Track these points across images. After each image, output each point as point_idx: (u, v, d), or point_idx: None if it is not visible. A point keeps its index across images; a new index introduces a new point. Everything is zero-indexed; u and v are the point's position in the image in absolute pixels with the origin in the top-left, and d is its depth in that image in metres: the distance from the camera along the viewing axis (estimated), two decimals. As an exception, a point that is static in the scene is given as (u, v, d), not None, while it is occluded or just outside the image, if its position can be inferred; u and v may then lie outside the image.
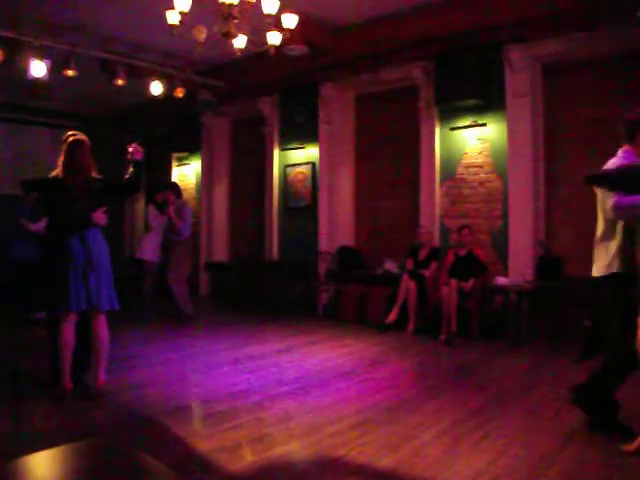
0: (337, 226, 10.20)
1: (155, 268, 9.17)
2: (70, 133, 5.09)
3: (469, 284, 7.68)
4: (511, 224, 7.95)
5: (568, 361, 6.09)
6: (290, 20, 6.18)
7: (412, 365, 6.39)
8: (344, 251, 9.91)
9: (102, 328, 5.00)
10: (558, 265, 7.57)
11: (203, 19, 5.88)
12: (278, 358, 6.63)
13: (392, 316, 8.28)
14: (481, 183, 8.43)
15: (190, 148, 12.70)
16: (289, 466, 3.60)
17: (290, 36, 6.33)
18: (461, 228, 8.19)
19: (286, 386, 5.40)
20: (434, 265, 8.37)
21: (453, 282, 7.68)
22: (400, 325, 8.17)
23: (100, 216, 4.96)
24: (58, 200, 4.86)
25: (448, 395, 5.08)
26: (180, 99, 10.04)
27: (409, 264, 8.59)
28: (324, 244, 10.11)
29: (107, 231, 5.08)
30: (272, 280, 10.19)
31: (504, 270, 7.98)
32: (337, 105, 10.16)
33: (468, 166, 8.56)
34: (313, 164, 10.41)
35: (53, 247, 4.91)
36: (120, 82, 9.15)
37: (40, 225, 8.23)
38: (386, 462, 3.60)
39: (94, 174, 5.01)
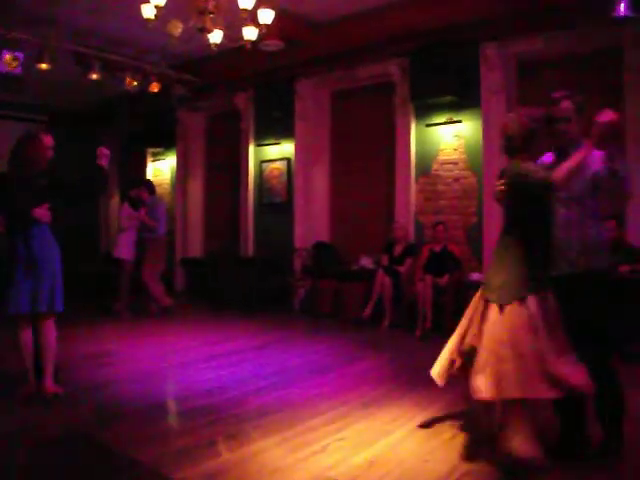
0: (312, 222, 10.20)
1: (131, 266, 9.13)
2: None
3: (444, 280, 7.73)
4: (486, 221, 8.00)
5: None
6: (266, 15, 6.15)
7: (387, 360, 6.41)
8: (319, 247, 9.91)
9: (45, 331, 4.75)
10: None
11: (179, 13, 5.85)
12: (254, 354, 6.62)
13: (367, 311, 8.30)
14: (456, 179, 8.48)
15: (165, 143, 12.61)
16: (265, 462, 3.60)
17: (266, 31, 6.30)
18: (436, 225, 8.23)
19: (262, 382, 5.40)
20: (409, 261, 8.41)
21: (428, 278, 7.72)
22: (375, 321, 8.20)
23: (41, 212, 4.66)
24: (2, 196, 4.69)
25: (423, 391, 5.10)
26: (155, 94, 9.96)
27: (384, 260, 8.62)
28: (299, 240, 10.11)
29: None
30: (248, 276, 10.16)
31: (479, 266, 8.03)
32: (313, 101, 10.15)
33: (443, 162, 8.61)
34: (289, 160, 10.39)
35: (6, 246, 4.76)
36: (94, 76, 9.06)
37: None
38: (362, 457, 3.62)
39: (41, 169, 4.79)
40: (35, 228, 4.68)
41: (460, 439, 3.92)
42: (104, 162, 4.95)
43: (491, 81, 8.02)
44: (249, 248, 10.89)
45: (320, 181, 10.24)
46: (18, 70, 8.23)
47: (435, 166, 8.70)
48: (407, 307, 8.03)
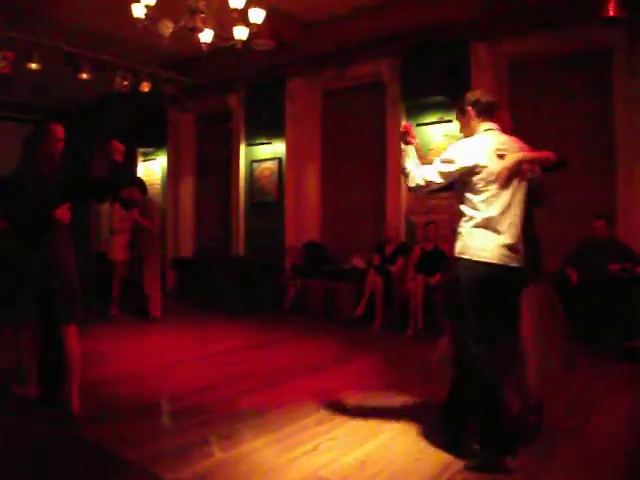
0: (303, 221, 10.20)
1: (125, 268, 9.08)
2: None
3: (435, 279, 7.74)
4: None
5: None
6: (257, 15, 6.15)
7: (379, 360, 6.41)
8: (310, 246, 9.90)
9: (68, 340, 4.39)
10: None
11: (169, 13, 5.84)
12: (246, 354, 6.62)
13: (359, 311, 8.30)
14: (447, 179, 8.47)
15: (156, 143, 12.58)
16: (257, 462, 3.60)
17: (257, 31, 6.31)
18: (427, 224, 8.25)
19: (253, 382, 5.40)
20: (401, 260, 8.41)
21: (419, 277, 7.74)
22: (367, 320, 8.20)
23: (63, 213, 4.20)
24: (14, 196, 4.27)
25: (415, 389, 5.11)
26: (145, 94, 9.94)
27: (376, 259, 8.62)
28: (290, 239, 10.11)
29: (71, 228, 4.78)
30: (239, 275, 10.15)
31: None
32: (304, 101, 10.14)
33: (434, 162, 8.60)
34: (279, 159, 10.39)
35: (15, 250, 4.37)
36: (85, 76, 9.02)
37: None
38: (353, 456, 3.62)
39: (57, 165, 4.43)
40: (53, 231, 4.29)
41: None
42: (119, 157, 4.48)
43: (482, 81, 8.02)
44: (240, 248, 10.88)
45: (311, 181, 10.24)
46: (7, 70, 8.20)
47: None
48: (399, 307, 8.04)
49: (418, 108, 8.70)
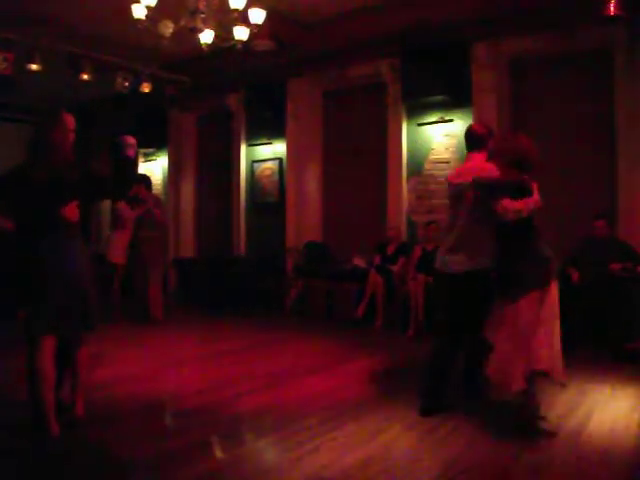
0: (304, 222, 10.20)
1: (124, 269, 9.03)
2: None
3: (436, 279, 7.74)
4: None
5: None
6: (257, 15, 6.15)
7: (380, 360, 6.40)
8: (311, 246, 9.90)
9: (78, 355, 4.16)
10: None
11: (169, 13, 5.84)
12: (247, 354, 6.62)
13: (360, 311, 8.31)
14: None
15: (157, 144, 12.58)
16: (259, 462, 3.60)
17: (257, 31, 6.30)
18: (428, 224, 8.25)
19: (255, 382, 5.39)
20: (402, 260, 8.41)
21: (420, 277, 7.73)
22: (368, 320, 8.21)
23: (71, 211, 3.83)
24: (20, 194, 3.82)
25: (416, 390, 5.11)
26: (146, 94, 9.93)
27: (377, 259, 8.62)
28: (291, 240, 10.11)
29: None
30: (240, 276, 10.15)
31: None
32: (304, 101, 10.14)
33: (435, 162, 8.62)
34: (280, 160, 10.40)
35: (22, 255, 3.93)
36: (85, 77, 9.02)
37: None
38: (355, 456, 3.61)
39: (69, 158, 4.02)
40: (65, 232, 3.90)
41: (454, 437, 3.94)
42: (131, 153, 4.06)
43: (482, 80, 8.04)
44: (241, 248, 10.88)
45: (312, 181, 10.23)
46: (8, 71, 8.19)
47: (427, 165, 8.72)
48: (400, 306, 8.04)
49: (419, 108, 8.71)
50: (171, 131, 12.27)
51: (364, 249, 9.16)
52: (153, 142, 12.53)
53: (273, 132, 10.46)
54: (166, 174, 12.60)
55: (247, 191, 10.92)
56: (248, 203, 10.92)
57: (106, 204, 13.17)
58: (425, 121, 8.71)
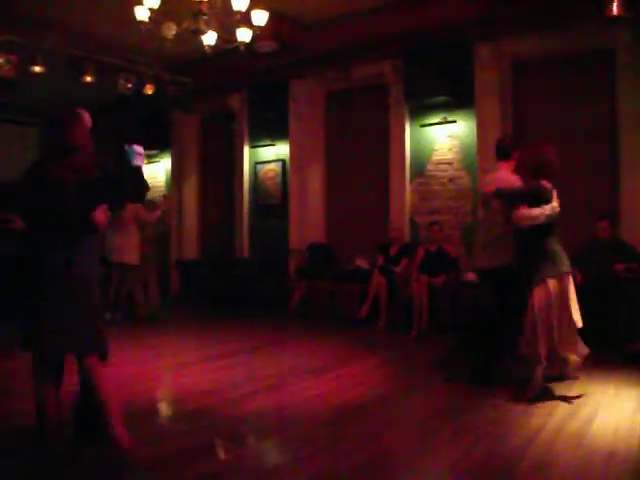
0: (307, 223, 10.20)
1: (136, 270, 8.95)
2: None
3: (439, 280, 7.73)
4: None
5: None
6: (260, 17, 6.15)
7: (383, 361, 6.40)
8: (315, 248, 9.90)
9: (97, 374, 3.65)
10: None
11: (172, 15, 5.84)
12: (249, 356, 6.62)
13: (363, 312, 8.31)
14: (450, 180, 8.50)
15: (159, 145, 12.58)
16: (262, 464, 3.60)
17: (260, 33, 6.31)
18: (431, 224, 8.24)
19: (258, 384, 5.39)
20: (405, 261, 8.41)
21: (423, 278, 7.73)
22: (371, 321, 8.20)
23: (101, 216, 3.57)
24: (38, 196, 3.50)
25: (419, 391, 5.12)
26: (149, 96, 9.94)
27: (380, 260, 8.62)
28: (295, 241, 10.12)
29: None
30: (243, 278, 10.16)
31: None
32: (307, 102, 10.14)
33: (438, 163, 8.62)
34: (283, 161, 10.41)
35: (31, 264, 3.57)
36: (88, 79, 9.04)
37: None
38: (358, 458, 3.61)
39: (90, 158, 3.73)
40: (84, 238, 3.60)
41: (458, 438, 3.93)
42: (139, 162, 3.84)
43: (485, 81, 8.04)
44: (244, 250, 10.89)
45: (315, 182, 10.23)
46: (11, 73, 8.20)
47: (430, 166, 8.72)
48: (403, 307, 8.03)
49: (421, 109, 8.71)
50: (174, 133, 12.29)
51: (367, 250, 9.16)
52: (156, 144, 12.54)
53: (276, 133, 10.47)
54: (169, 176, 12.61)
55: (250, 193, 10.93)
56: (251, 205, 10.93)
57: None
58: (428, 122, 8.71)
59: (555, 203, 4.80)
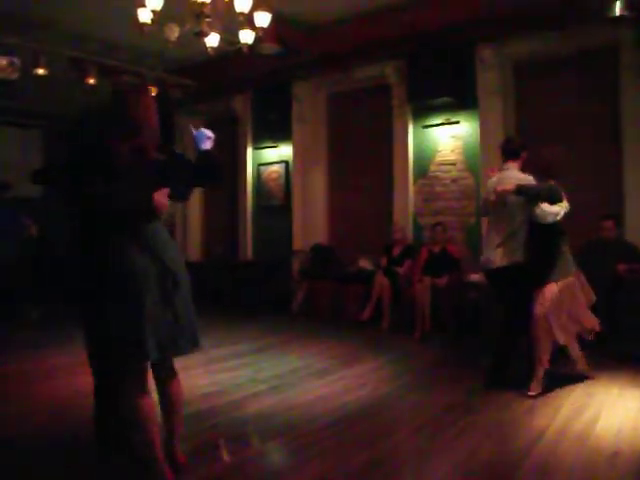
0: (311, 224, 10.20)
1: None
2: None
3: (443, 281, 7.72)
4: (484, 221, 7.99)
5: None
6: (263, 18, 6.15)
7: (387, 362, 6.40)
8: (318, 249, 9.90)
9: (176, 382, 3.53)
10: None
11: (175, 17, 5.85)
12: (253, 357, 6.61)
13: (366, 313, 8.31)
14: (454, 180, 8.49)
15: (161, 147, 12.54)
16: (265, 466, 3.60)
17: (263, 35, 6.31)
18: (434, 226, 8.23)
19: (261, 385, 5.40)
20: (408, 262, 8.40)
21: (426, 279, 7.72)
22: (375, 322, 8.20)
23: (161, 199, 3.20)
24: (97, 179, 3.05)
25: (423, 392, 5.12)
26: (152, 98, 9.93)
27: (383, 261, 8.62)
28: (298, 242, 10.12)
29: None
30: (246, 279, 10.16)
31: (477, 267, 8.02)
32: (310, 103, 10.15)
33: (441, 164, 8.62)
34: (286, 163, 10.41)
35: (95, 259, 3.16)
36: (91, 81, 9.04)
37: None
38: (362, 458, 3.61)
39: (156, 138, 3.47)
40: (155, 226, 3.23)
41: (462, 439, 3.93)
42: (209, 145, 3.55)
43: (488, 82, 8.03)
44: (248, 251, 10.89)
45: (318, 183, 10.23)
46: (15, 76, 8.21)
47: (433, 167, 8.71)
48: (406, 308, 8.03)
49: (424, 110, 8.70)
50: (177, 135, 12.28)
51: (370, 251, 9.16)
52: (157, 146, 12.50)
53: (279, 135, 10.48)
54: (172, 177, 12.58)
55: (254, 194, 10.94)
56: (255, 206, 10.94)
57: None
58: (431, 123, 8.70)
59: (566, 202, 4.99)
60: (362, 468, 3.49)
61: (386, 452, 3.74)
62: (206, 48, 6.27)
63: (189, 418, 4.51)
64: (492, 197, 5.27)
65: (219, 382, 5.52)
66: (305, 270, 9.82)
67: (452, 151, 8.50)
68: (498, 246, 5.22)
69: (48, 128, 12.64)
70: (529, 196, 4.98)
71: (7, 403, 4.87)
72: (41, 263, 8.31)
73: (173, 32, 5.99)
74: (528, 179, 5.12)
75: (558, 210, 4.91)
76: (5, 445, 3.89)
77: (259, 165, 10.84)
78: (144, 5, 5.74)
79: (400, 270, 8.35)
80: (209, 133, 3.57)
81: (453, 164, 8.49)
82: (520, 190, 4.97)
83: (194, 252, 12.22)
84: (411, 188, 8.89)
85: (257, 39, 6.38)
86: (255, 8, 5.99)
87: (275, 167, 10.60)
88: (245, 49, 6.34)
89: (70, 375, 5.49)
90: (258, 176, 10.84)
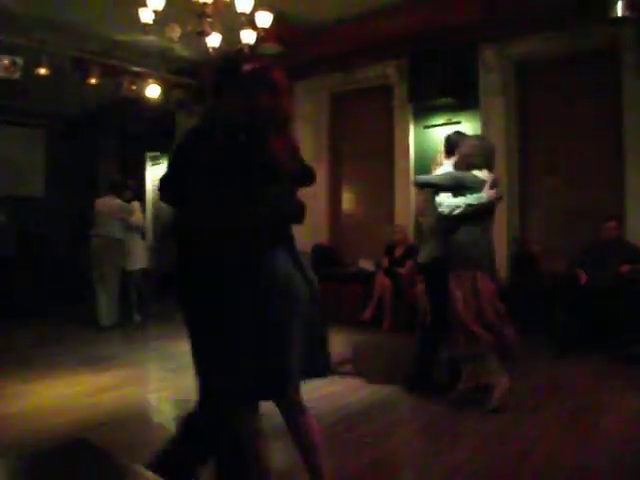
0: (311, 225, 10.16)
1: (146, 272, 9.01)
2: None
3: (444, 281, 7.70)
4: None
5: (543, 356, 6.16)
6: (264, 18, 6.16)
7: (387, 363, 6.40)
8: (319, 249, 9.89)
9: (306, 418, 3.13)
10: (532, 262, 7.64)
11: (177, 17, 5.85)
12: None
13: (368, 314, 8.30)
14: (455, 181, 8.47)
15: (163, 147, 12.57)
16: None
17: (264, 35, 6.31)
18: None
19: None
20: (409, 263, 8.39)
21: (428, 280, 7.70)
22: (376, 323, 8.19)
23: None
24: (266, 183, 2.68)
25: (424, 393, 5.11)
26: (153, 98, 9.94)
27: (385, 262, 8.61)
28: (298, 243, 10.06)
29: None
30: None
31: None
32: (311, 103, 10.14)
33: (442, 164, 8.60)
34: (287, 163, 10.40)
35: (233, 279, 2.64)
36: (93, 81, 9.03)
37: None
38: (363, 460, 3.61)
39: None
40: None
41: (463, 440, 3.93)
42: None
43: (489, 82, 8.03)
44: (249, 251, 10.87)
45: (319, 183, 10.14)
46: (17, 75, 8.21)
47: (434, 168, 8.69)
48: (407, 309, 8.02)
49: (426, 110, 8.70)
50: (179, 135, 12.27)
51: (371, 252, 9.15)
52: (160, 146, 12.53)
53: (280, 135, 10.46)
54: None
55: (255, 194, 10.93)
56: (255, 206, 10.92)
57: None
58: (432, 123, 8.69)
59: (484, 194, 4.61)
60: (363, 469, 3.49)
61: (386, 453, 3.74)
62: (208, 48, 6.28)
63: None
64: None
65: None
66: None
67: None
68: (422, 243, 5.34)
69: (50, 127, 12.64)
70: (419, 186, 5.24)
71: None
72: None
73: (175, 32, 6.01)
74: (450, 173, 4.93)
75: (458, 202, 4.61)
76: (6, 445, 3.89)
77: (260, 165, 10.82)
78: (146, 5, 5.75)
79: (402, 271, 8.34)
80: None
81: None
82: (415, 182, 5.30)
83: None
84: (412, 188, 8.88)
85: (258, 39, 6.40)
86: (256, 8, 6.00)
87: (276, 167, 10.58)
88: (246, 49, 6.35)
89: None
90: (259, 176, 10.82)
